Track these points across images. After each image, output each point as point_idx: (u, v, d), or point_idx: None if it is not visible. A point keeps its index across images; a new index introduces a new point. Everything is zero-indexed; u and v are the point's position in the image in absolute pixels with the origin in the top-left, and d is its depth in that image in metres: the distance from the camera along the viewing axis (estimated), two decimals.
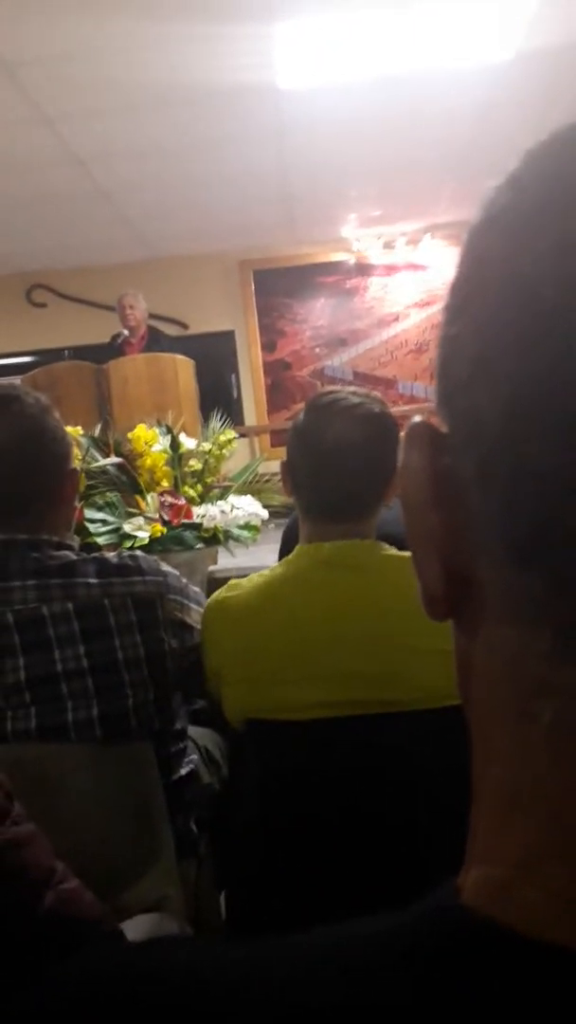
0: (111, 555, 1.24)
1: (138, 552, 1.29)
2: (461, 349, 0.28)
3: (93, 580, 1.18)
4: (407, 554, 1.05)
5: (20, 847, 0.69)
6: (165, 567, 1.29)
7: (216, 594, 1.31)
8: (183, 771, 1.34)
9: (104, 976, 0.31)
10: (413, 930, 0.28)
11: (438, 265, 7.34)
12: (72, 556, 1.20)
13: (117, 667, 1.16)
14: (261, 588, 1.26)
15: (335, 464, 1.23)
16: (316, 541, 1.26)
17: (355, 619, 1.19)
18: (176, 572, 1.31)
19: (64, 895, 0.71)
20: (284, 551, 1.72)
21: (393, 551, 1.26)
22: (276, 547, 1.86)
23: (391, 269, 7.39)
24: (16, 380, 3.72)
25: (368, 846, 1.13)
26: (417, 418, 0.30)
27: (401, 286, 7.41)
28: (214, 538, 2.90)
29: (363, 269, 7.41)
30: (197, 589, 1.39)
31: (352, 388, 1.32)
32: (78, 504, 1.57)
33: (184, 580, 1.34)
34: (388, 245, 7.25)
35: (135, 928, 0.84)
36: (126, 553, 1.26)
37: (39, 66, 3.86)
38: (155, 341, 5.57)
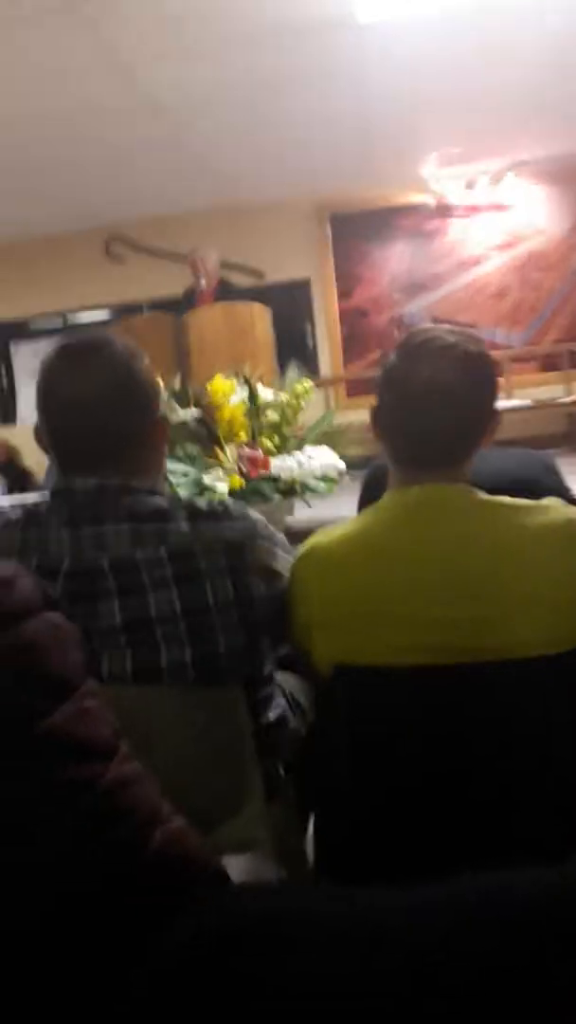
0: (201, 500, 1.24)
1: (227, 498, 1.29)
2: None
3: (185, 525, 1.18)
4: (500, 499, 1.01)
5: (129, 785, 0.70)
6: (253, 513, 1.28)
7: (307, 541, 1.30)
8: (271, 715, 1.35)
9: (265, 917, 0.31)
10: None
11: (522, 204, 7.05)
12: (163, 502, 1.20)
13: (208, 611, 1.17)
14: (351, 534, 1.25)
15: (428, 406, 1.18)
16: (406, 487, 1.23)
17: (448, 563, 1.16)
18: (263, 519, 1.31)
19: (172, 834, 0.72)
20: (364, 500, 1.69)
21: (484, 496, 1.22)
22: (352, 498, 1.83)
23: (472, 210, 7.14)
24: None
25: (459, 795, 1.12)
26: None
27: (482, 227, 7.17)
28: (291, 490, 2.90)
29: (443, 210, 7.19)
30: (282, 536, 1.38)
31: (447, 326, 1.26)
32: None
33: (271, 527, 1.33)
34: (469, 185, 6.99)
35: (233, 868, 0.85)
36: (216, 499, 1.26)
37: (112, 10, 3.81)
38: (226, 293, 5.55)
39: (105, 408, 1.19)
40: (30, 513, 1.22)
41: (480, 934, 0.27)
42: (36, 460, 7.00)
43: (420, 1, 4.04)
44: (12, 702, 0.65)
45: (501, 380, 6.83)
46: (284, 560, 1.34)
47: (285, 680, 1.54)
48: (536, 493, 1.33)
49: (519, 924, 0.27)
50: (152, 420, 1.26)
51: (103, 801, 0.68)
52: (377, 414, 1.27)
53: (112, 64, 4.35)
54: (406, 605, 1.16)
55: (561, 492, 1.49)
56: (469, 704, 1.14)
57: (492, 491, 1.24)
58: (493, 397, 1.24)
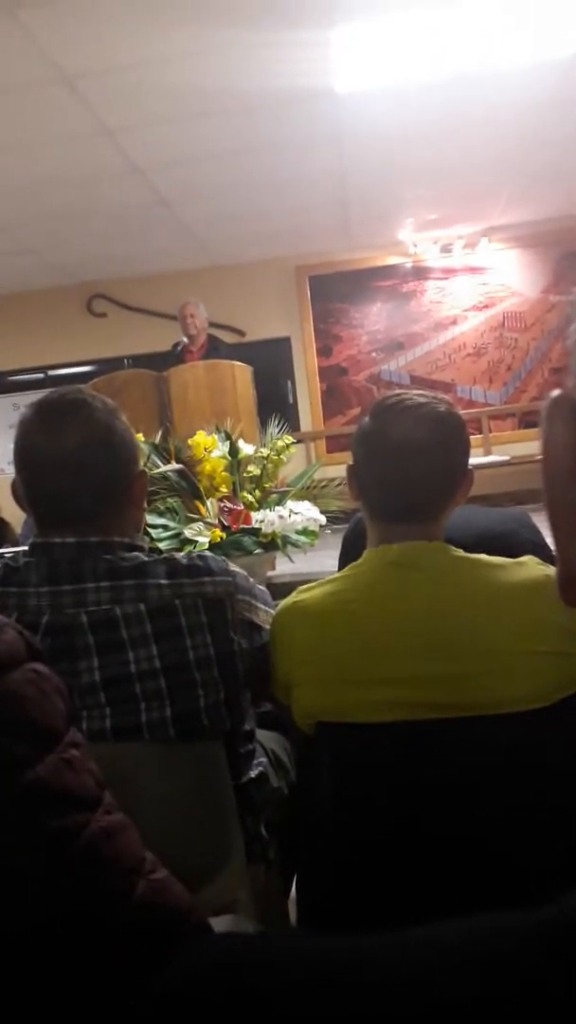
0: (180, 555, 1.24)
1: (207, 552, 1.29)
2: None
3: (164, 581, 1.18)
4: (478, 556, 1.02)
5: (113, 835, 0.70)
6: (233, 567, 1.28)
7: (287, 599, 1.30)
8: (252, 773, 1.34)
9: (246, 965, 0.31)
10: (561, 928, 0.27)
11: (496, 268, 7.26)
12: (143, 557, 1.20)
13: (189, 667, 1.16)
14: (331, 591, 1.26)
15: (401, 465, 1.22)
16: (384, 544, 1.25)
17: (426, 621, 1.17)
18: (244, 572, 1.31)
19: (155, 885, 0.71)
20: (344, 556, 1.70)
21: (462, 553, 1.24)
22: (334, 552, 1.84)
23: (449, 272, 7.34)
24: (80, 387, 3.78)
25: (446, 853, 1.11)
26: (556, 392, 0.28)
27: (459, 289, 7.35)
28: (272, 543, 2.91)
29: (420, 272, 7.38)
30: (264, 588, 1.39)
31: (417, 390, 1.30)
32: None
33: (251, 580, 1.33)
34: (445, 248, 7.20)
35: (215, 927, 0.84)
36: (195, 553, 1.26)
37: (99, 78, 3.93)
38: (214, 349, 5.63)
39: (84, 468, 1.18)
40: (9, 568, 1.21)
41: (472, 976, 0.27)
42: (14, 512, 6.98)
43: (396, 73, 4.21)
44: None
45: (479, 437, 6.96)
46: (265, 613, 1.34)
47: (267, 738, 1.52)
48: (514, 548, 1.35)
49: (510, 959, 0.27)
50: (130, 477, 1.26)
51: (86, 851, 0.67)
52: (353, 473, 1.30)
53: (99, 130, 4.47)
54: (387, 663, 1.17)
55: (538, 548, 1.51)
56: (453, 761, 1.14)
57: (471, 547, 1.26)
58: (465, 454, 1.27)
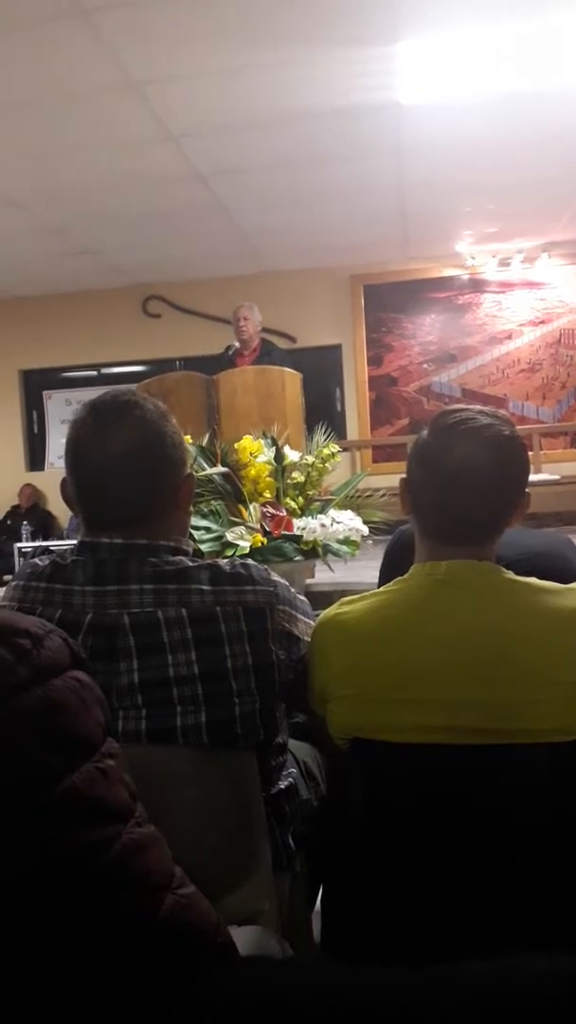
0: (224, 562, 1.24)
1: (249, 561, 1.28)
2: None
3: (207, 587, 1.18)
4: (527, 580, 1.00)
5: (143, 849, 0.69)
6: (275, 577, 1.28)
7: (329, 610, 1.29)
8: (282, 784, 1.33)
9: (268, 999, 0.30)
10: None
11: (555, 283, 7.16)
12: (187, 562, 1.20)
13: (226, 675, 1.16)
14: (375, 606, 1.24)
15: (460, 487, 1.19)
16: (433, 561, 1.23)
17: (470, 643, 1.15)
18: (285, 582, 1.30)
19: (183, 901, 0.71)
20: (387, 569, 1.68)
21: (511, 576, 1.21)
22: (374, 563, 1.82)
23: (506, 286, 7.27)
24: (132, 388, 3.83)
25: (475, 880, 1.09)
26: None
27: (515, 304, 7.27)
28: (313, 551, 2.90)
29: (476, 285, 7.31)
30: (304, 599, 1.38)
31: (479, 407, 1.27)
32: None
33: (292, 590, 1.33)
34: (503, 262, 7.13)
35: (237, 940, 0.83)
36: (238, 561, 1.26)
37: (167, 85, 3.98)
38: (267, 354, 5.62)
39: (134, 471, 1.19)
40: (57, 565, 1.23)
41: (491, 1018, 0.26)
42: (61, 507, 7.08)
43: (460, 87, 4.19)
44: (34, 761, 0.65)
45: (530, 454, 6.85)
46: (305, 624, 1.33)
47: (299, 749, 1.52)
48: (562, 572, 1.33)
49: (529, 1011, 0.26)
50: (178, 480, 1.26)
51: (117, 864, 0.67)
52: (407, 488, 1.28)
53: (163, 136, 4.53)
54: (426, 684, 1.15)
55: None
56: (491, 787, 1.12)
57: (518, 566, 1.24)
58: (524, 478, 1.24)
